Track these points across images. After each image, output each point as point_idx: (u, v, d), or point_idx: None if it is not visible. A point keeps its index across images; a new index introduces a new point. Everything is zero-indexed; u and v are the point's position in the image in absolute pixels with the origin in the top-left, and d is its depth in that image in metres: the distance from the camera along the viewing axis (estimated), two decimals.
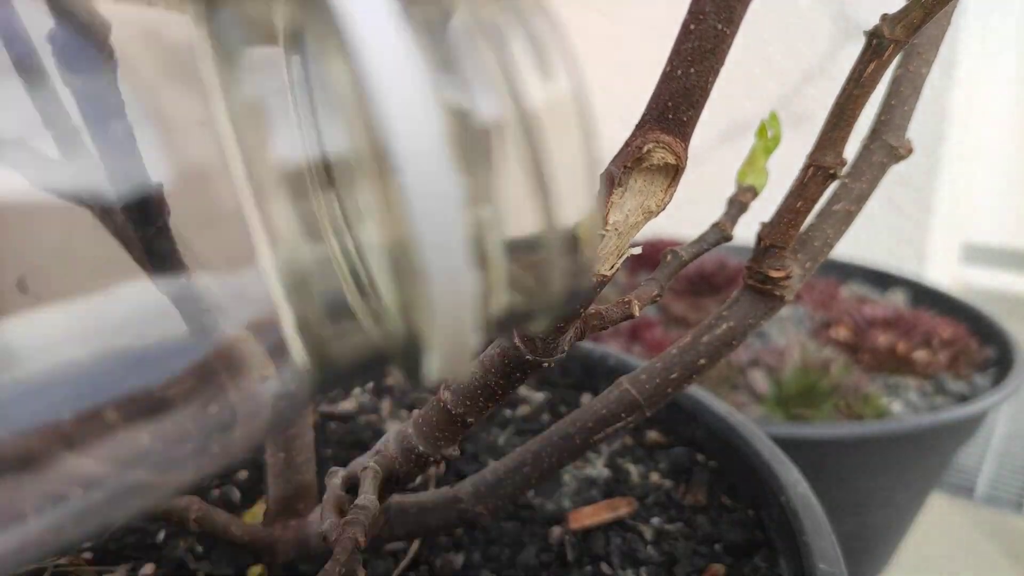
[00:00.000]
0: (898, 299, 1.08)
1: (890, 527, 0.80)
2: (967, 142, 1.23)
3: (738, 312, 0.34)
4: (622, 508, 0.45)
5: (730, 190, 0.37)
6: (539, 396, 0.61)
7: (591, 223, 0.13)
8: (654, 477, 0.49)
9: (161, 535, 0.42)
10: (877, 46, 0.27)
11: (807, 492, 0.40)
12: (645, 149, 0.20)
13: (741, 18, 0.20)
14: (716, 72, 0.20)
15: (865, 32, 0.27)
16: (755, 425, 0.48)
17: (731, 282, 1.03)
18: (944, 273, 1.34)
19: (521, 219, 0.12)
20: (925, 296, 1.06)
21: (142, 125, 0.14)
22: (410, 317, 0.11)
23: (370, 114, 0.10)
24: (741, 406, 0.78)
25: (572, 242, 0.13)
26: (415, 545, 0.41)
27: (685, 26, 0.19)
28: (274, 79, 0.12)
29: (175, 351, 0.14)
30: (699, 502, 0.46)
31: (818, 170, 0.30)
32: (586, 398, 0.60)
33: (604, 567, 0.40)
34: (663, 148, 0.20)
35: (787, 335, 0.95)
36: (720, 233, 0.35)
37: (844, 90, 0.29)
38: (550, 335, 0.24)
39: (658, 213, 0.21)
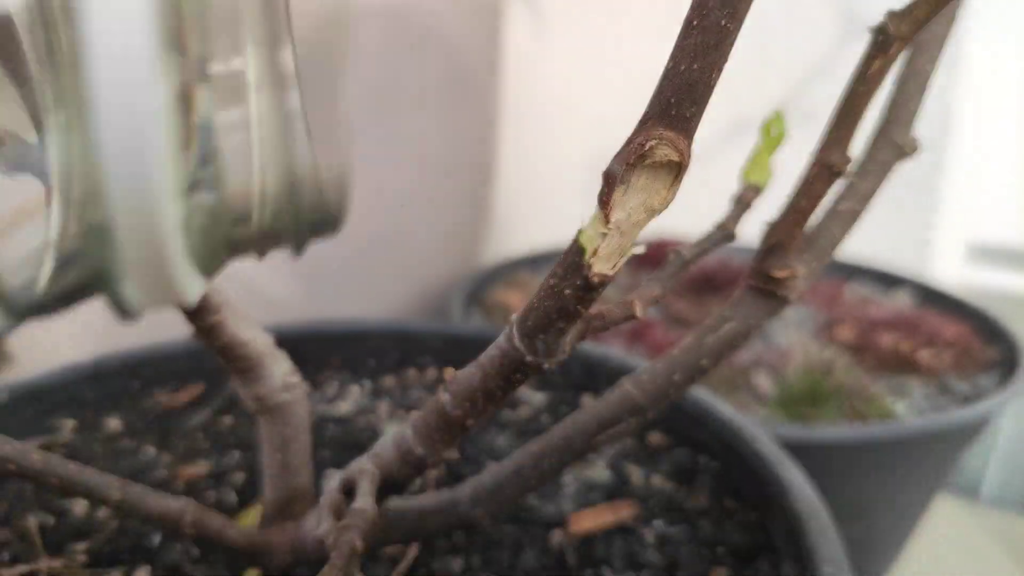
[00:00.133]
0: (903, 299, 1.07)
1: (895, 530, 0.79)
2: (973, 141, 1.22)
3: (741, 312, 0.33)
4: (624, 511, 0.44)
5: (734, 188, 0.36)
6: (539, 397, 0.60)
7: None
8: (656, 480, 0.48)
9: (156, 538, 0.42)
10: (883, 43, 0.26)
11: (812, 495, 0.39)
12: (648, 146, 0.19)
13: (745, 13, 0.19)
14: (720, 68, 0.19)
15: (870, 29, 0.27)
16: (758, 426, 0.47)
17: (734, 282, 1.03)
18: (949, 273, 1.33)
19: (267, 139, 0.11)
20: (930, 296, 1.05)
21: None
22: (98, 243, 0.10)
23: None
24: (744, 407, 0.77)
25: (315, 170, 0.12)
26: (413, 549, 0.41)
27: (688, 21, 0.19)
28: None
29: None
30: (702, 505, 0.45)
31: (824, 169, 0.29)
32: (587, 400, 0.60)
33: (605, 571, 0.39)
34: (666, 145, 0.19)
35: (790, 335, 0.95)
36: (724, 232, 0.35)
37: (849, 87, 0.28)
38: (551, 336, 0.24)
39: (661, 211, 0.21)
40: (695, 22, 0.19)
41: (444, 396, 0.28)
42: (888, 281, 1.13)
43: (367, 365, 0.66)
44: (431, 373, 0.65)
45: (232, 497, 0.46)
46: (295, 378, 0.39)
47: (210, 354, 0.34)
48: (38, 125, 0.11)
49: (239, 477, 0.49)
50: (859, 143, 0.31)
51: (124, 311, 0.12)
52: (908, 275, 1.11)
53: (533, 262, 1.21)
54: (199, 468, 0.49)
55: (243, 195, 0.12)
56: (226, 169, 0.11)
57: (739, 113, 1.28)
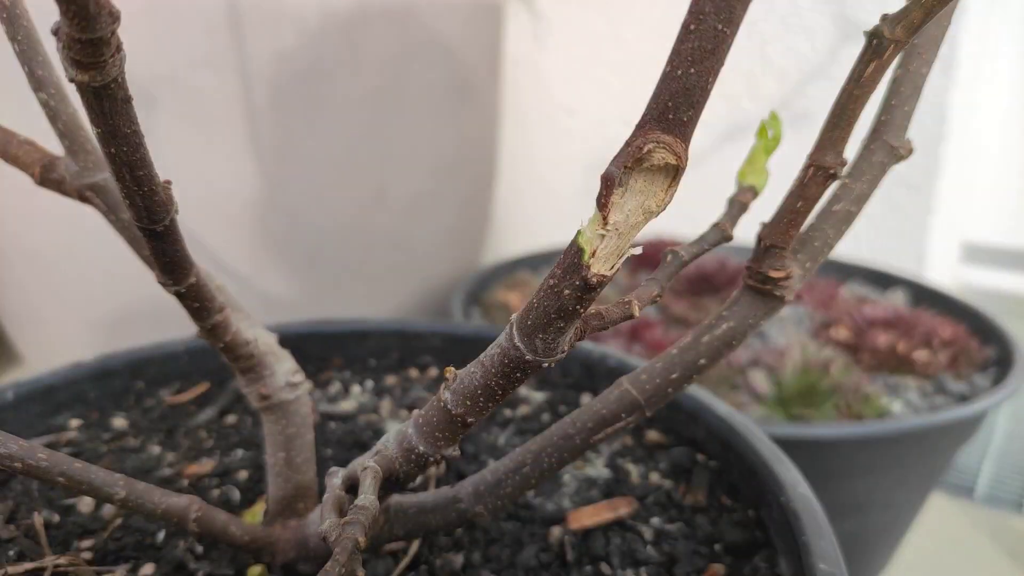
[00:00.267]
0: (898, 299, 1.08)
1: (890, 527, 0.80)
2: (967, 142, 1.23)
3: (738, 312, 0.34)
4: (622, 508, 0.45)
5: (730, 190, 0.37)
6: (539, 396, 0.61)
7: None
8: (654, 477, 0.49)
9: (160, 535, 0.42)
10: (877, 46, 0.27)
11: (807, 492, 0.40)
12: (645, 149, 0.20)
13: (741, 18, 0.20)
14: (716, 72, 0.20)
15: (865, 32, 0.27)
16: (755, 425, 0.48)
17: (731, 282, 1.03)
18: (944, 273, 1.34)
19: None
20: (925, 296, 1.06)
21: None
22: None
23: None
24: (741, 406, 0.78)
25: None
26: (415, 545, 0.41)
27: (685, 26, 0.19)
28: None
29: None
30: (699, 502, 0.46)
31: (818, 170, 0.30)
32: (586, 398, 0.60)
33: (604, 567, 0.40)
34: (663, 148, 0.20)
35: (787, 335, 0.95)
36: (720, 233, 0.35)
37: (844, 90, 0.29)
38: (550, 336, 0.24)
39: (659, 213, 0.21)
40: (692, 27, 0.19)
41: (445, 394, 0.29)
42: (884, 281, 1.13)
43: (369, 364, 0.67)
44: (432, 372, 0.66)
45: (236, 494, 0.46)
46: (298, 377, 0.39)
47: (214, 353, 0.35)
48: None
49: (243, 474, 0.49)
50: (854, 145, 0.31)
51: None
52: (904, 275, 1.12)
53: (533, 262, 1.22)
54: (204, 466, 0.50)
55: None
56: None
57: (736, 116, 1.29)
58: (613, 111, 1.40)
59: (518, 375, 0.26)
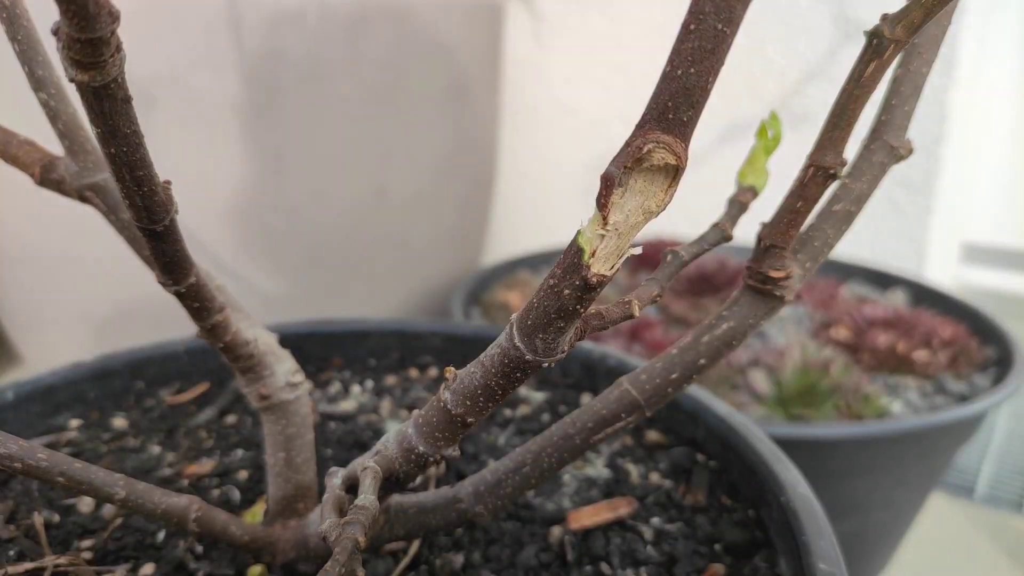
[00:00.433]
0: (898, 299, 1.08)
1: (890, 527, 0.80)
2: (967, 142, 1.23)
3: (738, 312, 0.34)
4: (622, 508, 0.45)
5: (730, 190, 0.37)
6: (539, 396, 0.61)
7: None
8: (654, 477, 0.49)
9: (160, 535, 0.42)
10: (877, 46, 0.27)
11: (807, 492, 0.40)
12: (645, 149, 0.20)
13: (741, 18, 0.20)
14: (716, 72, 0.20)
15: (865, 32, 0.27)
16: (755, 425, 0.48)
17: (731, 282, 1.03)
18: (944, 273, 1.34)
19: None
20: (925, 296, 1.06)
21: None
22: None
23: None
24: (741, 406, 0.78)
25: None
26: (415, 545, 0.41)
27: (685, 26, 0.19)
28: None
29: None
30: (699, 502, 0.46)
31: (818, 170, 0.30)
32: (586, 398, 0.60)
33: (604, 567, 0.40)
34: (663, 148, 0.20)
35: (787, 335, 0.95)
36: (720, 233, 0.35)
37: (844, 90, 0.29)
38: (550, 335, 0.24)
39: (658, 213, 0.21)
40: (692, 27, 0.19)
41: (445, 394, 0.29)
42: (884, 281, 1.13)
43: (369, 364, 0.67)
44: (432, 372, 0.66)
45: (236, 494, 0.46)
46: (298, 377, 0.39)
47: (214, 353, 0.35)
48: None
49: (243, 474, 0.49)
50: (854, 145, 0.31)
51: None
52: (904, 275, 1.12)
53: (533, 262, 1.22)
54: (203, 466, 0.50)
55: None
56: None
57: (736, 115, 1.29)
58: (613, 111, 1.40)
59: (518, 375, 0.26)
